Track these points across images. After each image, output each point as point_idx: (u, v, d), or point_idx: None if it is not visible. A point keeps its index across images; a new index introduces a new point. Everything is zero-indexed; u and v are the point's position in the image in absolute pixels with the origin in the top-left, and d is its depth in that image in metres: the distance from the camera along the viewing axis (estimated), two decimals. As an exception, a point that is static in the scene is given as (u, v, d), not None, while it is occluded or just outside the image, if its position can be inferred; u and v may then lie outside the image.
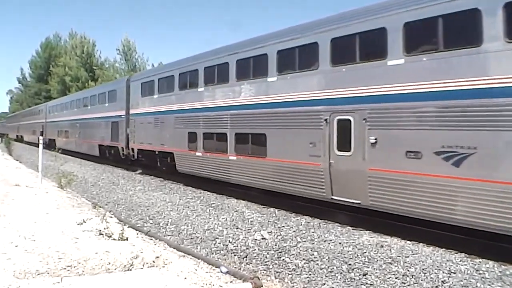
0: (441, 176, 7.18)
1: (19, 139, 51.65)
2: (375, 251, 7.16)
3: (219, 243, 7.77)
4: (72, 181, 13.41)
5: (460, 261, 6.63)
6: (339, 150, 8.91)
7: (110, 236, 6.42)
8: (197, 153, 13.75)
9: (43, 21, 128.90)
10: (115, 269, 5.09)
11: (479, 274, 6.12)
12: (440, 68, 7.37)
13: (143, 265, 5.33)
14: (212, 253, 7.26)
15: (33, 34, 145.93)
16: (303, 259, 6.81)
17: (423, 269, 6.27)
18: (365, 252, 7.07)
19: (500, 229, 6.55)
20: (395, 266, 6.42)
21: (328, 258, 6.83)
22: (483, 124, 6.73)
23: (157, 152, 16.55)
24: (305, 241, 7.83)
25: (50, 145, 28.27)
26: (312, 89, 9.72)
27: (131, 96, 19.35)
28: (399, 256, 6.85)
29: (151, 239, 7.70)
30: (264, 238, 8.02)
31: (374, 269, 6.32)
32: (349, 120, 8.73)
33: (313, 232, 8.51)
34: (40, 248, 5.55)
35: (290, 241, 7.82)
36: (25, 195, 10.19)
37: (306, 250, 7.24)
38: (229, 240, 7.91)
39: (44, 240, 5.96)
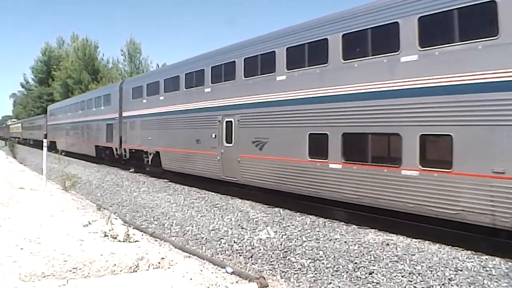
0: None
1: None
2: (380, 249, 7.12)
3: (224, 243, 7.76)
4: (76, 184, 13.44)
5: (466, 258, 6.59)
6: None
7: (115, 238, 6.42)
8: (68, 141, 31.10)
9: (46, 24, 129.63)
10: (121, 270, 5.09)
11: (486, 271, 6.08)
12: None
13: (148, 267, 5.32)
14: (218, 254, 7.25)
15: (36, 37, 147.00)
16: (309, 258, 6.79)
17: (429, 266, 6.23)
18: (371, 251, 7.04)
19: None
20: (401, 264, 6.39)
21: (334, 257, 6.80)
22: None
23: (56, 141, 33.15)
24: (310, 240, 7.80)
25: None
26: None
27: (48, 118, 38.69)
28: (405, 254, 6.81)
29: (156, 240, 7.69)
30: (269, 236, 8.00)
31: (380, 267, 6.28)
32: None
33: (318, 231, 8.48)
34: (45, 251, 5.55)
35: (295, 241, 7.80)
36: (29, 198, 10.22)
37: (311, 249, 7.22)
38: (234, 240, 7.90)
39: (49, 243, 5.97)
